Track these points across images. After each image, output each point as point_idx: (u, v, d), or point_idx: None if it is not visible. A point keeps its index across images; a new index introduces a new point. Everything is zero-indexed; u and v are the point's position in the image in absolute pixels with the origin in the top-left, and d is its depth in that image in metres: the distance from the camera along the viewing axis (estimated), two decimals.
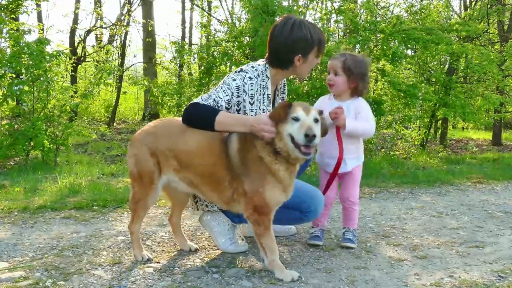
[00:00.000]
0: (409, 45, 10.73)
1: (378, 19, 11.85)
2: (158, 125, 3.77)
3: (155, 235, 4.52)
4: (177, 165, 3.57)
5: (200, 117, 3.59)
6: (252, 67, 3.87)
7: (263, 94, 3.87)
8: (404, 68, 13.35)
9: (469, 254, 4.20)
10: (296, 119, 3.27)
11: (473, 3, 16.78)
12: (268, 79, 3.89)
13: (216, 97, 3.68)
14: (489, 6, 15.50)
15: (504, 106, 16.10)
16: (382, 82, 11.21)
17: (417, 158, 10.93)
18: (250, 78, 3.78)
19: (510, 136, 20.87)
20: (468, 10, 15.89)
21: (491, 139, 17.54)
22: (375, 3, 12.78)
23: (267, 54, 3.99)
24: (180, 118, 3.70)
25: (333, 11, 11.19)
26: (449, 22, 12.63)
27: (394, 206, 6.09)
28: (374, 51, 10.30)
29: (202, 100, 3.65)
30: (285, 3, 10.19)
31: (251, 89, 3.77)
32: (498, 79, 13.36)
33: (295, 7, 9.97)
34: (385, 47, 9.92)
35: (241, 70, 3.84)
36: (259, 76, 3.82)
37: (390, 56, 9.70)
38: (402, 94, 10.13)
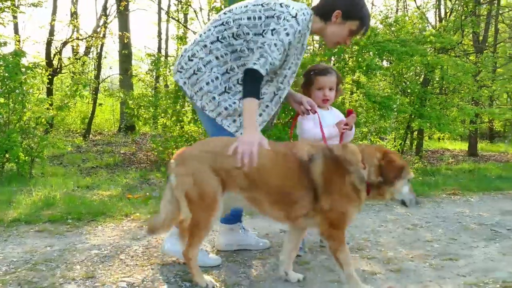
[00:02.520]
0: (384, 57, 10.84)
1: None
2: (217, 144, 3.60)
3: (129, 249, 4.46)
4: (247, 184, 3.47)
5: (246, 86, 3.66)
6: (303, 14, 3.81)
7: (302, 44, 3.93)
8: (380, 80, 13.48)
9: (443, 267, 4.21)
10: (409, 181, 3.58)
11: (448, 14, 17.03)
12: (309, 30, 3.91)
13: (272, 59, 3.67)
14: (463, 18, 15.73)
15: (480, 117, 16.33)
16: (357, 94, 11.30)
17: None
18: (299, 31, 3.77)
19: (486, 147, 21.14)
20: (443, 21, 16.12)
21: (467, 149, 17.75)
22: None
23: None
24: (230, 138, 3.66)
25: None
26: (424, 34, 12.80)
27: (369, 219, 6.07)
28: (349, 63, 10.39)
29: (260, 67, 3.64)
30: None
31: (297, 41, 3.84)
32: (473, 90, 13.55)
33: None
34: (360, 59, 10.01)
35: (295, 16, 3.76)
36: (303, 27, 3.82)
37: (364, 68, 9.79)
38: (377, 105, 10.21)
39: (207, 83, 3.91)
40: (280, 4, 3.83)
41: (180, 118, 10.78)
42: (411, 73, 14.22)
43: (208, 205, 3.42)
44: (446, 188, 8.51)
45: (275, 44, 3.69)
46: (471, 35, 17.40)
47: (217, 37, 3.91)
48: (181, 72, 4.03)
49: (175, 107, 10.90)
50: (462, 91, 14.24)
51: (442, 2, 18.31)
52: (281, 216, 3.56)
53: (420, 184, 8.87)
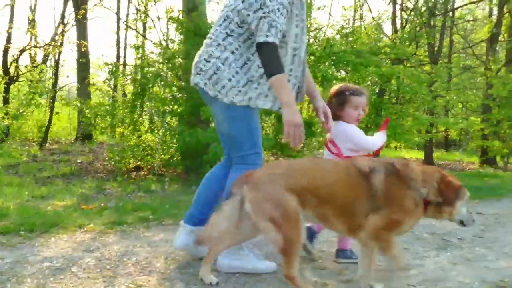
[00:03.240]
0: (340, 67, 10.99)
1: (311, 41, 12.11)
2: (284, 166, 3.74)
3: (81, 261, 4.39)
4: (317, 201, 3.56)
5: (267, 63, 3.78)
6: None
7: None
8: None
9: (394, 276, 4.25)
10: (466, 201, 3.80)
11: (403, 25, 17.37)
12: None
13: (280, 26, 3.79)
14: (417, 29, 16.06)
15: (436, 126, 16.63)
16: None
17: None
18: None
19: (442, 155, 21.53)
20: (398, 33, 16.43)
21: (423, 158, 18.03)
22: (307, 25, 13.06)
23: None
24: (303, 158, 3.80)
25: None
26: (379, 45, 13.03)
27: (324, 229, 6.09)
28: None
29: (274, 38, 3.74)
30: None
31: None
32: (427, 100, 13.80)
33: None
34: (315, 69, 10.13)
35: None
36: None
37: (320, 78, 9.91)
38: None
39: (229, 80, 3.98)
40: None
41: (137, 128, 10.76)
42: (368, 83, 14.41)
43: (295, 223, 3.45)
44: None
45: (278, 9, 3.79)
46: (427, 46, 17.79)
47: (226, 32, 4.03)
48: (200, 74, 4.10)
49: (132, 117, 10.87)
50: (417, 101, 14.50)
51: (398, 14, 18.64)
52: (345, 229, 3.70)
53: None
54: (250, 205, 3.48)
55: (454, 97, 17.49)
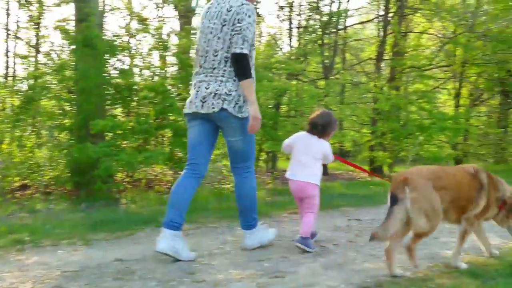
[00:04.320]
0: None
1: None
2: (429, 170, 4.79)
3: None
4: (449, 197, 4.62)
5: (241, 69, 4.84)
6: None
7: None
8: None
9: (268, 284, 4.33)
10: None
11: (298, 43, 17.88)
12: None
13: (250, 39, 4.89)
14: (309, 46, 16.63)
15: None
16: None
17: None
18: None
19: (336, 165, 22.04)
20: (291, 49, 16.88)
21: None
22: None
23: None
24: (430, 166, 5.11)
25: (163, 47, 11.20)
26: (271, 61, 13.28)
27: (209, 242, 6.07)
28: None
29: (247, 50, 4.83)
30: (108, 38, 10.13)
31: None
32: None
33: (117, 42, 9.95)
34: None
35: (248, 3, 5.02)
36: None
37: None
38: None
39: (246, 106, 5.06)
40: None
41: (23, 143, 10.30)
42: (266, 97, 14.58)
43: (439, 216, 4.54)
44: (288, 207, 8.58)
45: (247, 27, 4.84)
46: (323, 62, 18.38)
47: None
48: (224, 102, 4.96)
49: (20, 131, 10.40)
50: (309, 115, 14.84)
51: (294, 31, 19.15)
52: (456, 218, 4.82)
53: (264, 204, 8.83)
54: (411, 203, 4.43)
55: (346, 111, 18.04)
